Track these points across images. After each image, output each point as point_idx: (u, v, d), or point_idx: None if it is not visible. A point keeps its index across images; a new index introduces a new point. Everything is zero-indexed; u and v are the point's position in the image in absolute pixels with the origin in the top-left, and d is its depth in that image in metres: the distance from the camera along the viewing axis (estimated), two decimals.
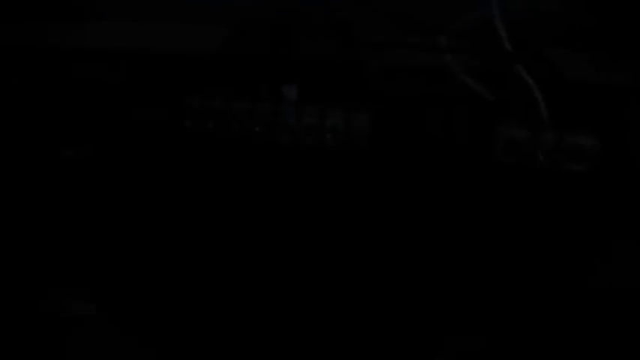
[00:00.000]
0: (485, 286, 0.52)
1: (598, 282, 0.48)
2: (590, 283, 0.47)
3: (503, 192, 0.40)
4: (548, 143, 0.39)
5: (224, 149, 0.48)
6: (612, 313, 0.51)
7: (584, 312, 0.51)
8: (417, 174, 0.44)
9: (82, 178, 0.63)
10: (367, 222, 0.53)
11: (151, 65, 0.44)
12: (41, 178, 0.68)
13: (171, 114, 0.46)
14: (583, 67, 0.41)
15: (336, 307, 0.62)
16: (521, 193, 0.40)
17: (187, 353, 0.76)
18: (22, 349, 0.80)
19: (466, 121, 0.39)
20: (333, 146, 0.41)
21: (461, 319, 0.57)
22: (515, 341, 0.54)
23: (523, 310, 0.55)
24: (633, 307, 0.49)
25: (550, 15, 0.43)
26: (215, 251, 0.63)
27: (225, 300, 0.69)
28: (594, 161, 0.39)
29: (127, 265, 0.71)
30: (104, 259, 0.71)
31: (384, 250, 0.59)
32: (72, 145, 0.61)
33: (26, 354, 0.80)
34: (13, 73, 0.55)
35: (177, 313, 0.73)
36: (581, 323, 0.50)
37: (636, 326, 0.49)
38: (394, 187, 0.46)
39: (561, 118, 0.39)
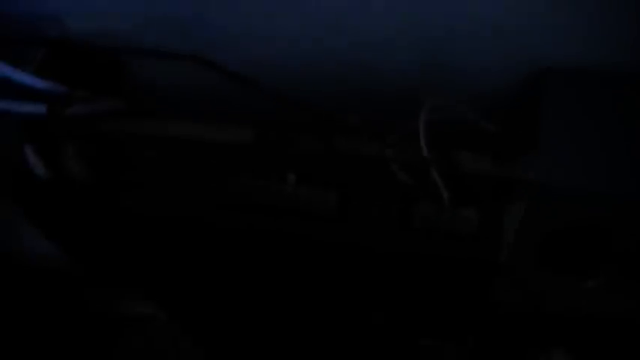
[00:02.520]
0: None
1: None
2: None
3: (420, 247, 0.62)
4: (447, 215, 0.62)
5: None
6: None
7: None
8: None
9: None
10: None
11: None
12: None
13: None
14: (479, 164, 0.63)
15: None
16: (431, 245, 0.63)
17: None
18: (79, 347, 0.84)
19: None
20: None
21: None
22: None
23: None
24: None
25: (461, 124, 0.65)
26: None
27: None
28: (475, 226, 0.61)
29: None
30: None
31: None
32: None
33: (83, 352, 0.84)
34: None
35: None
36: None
37: None
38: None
39: (457, 199, 0.61)
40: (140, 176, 0.65)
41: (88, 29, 0.71)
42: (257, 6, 0.64)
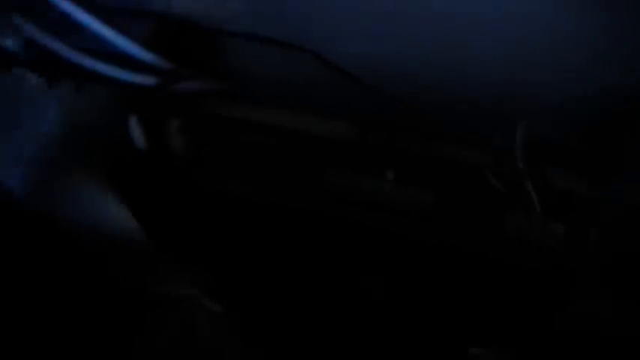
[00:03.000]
0: None
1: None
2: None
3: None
4: (537, 227, 0.64)
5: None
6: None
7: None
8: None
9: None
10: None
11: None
12: None
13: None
14: (570, 181, 0.65)
15: None
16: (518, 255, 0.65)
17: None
18: (115, 317, 0.89)
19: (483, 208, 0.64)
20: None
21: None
22: None
23: None
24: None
25: (555, 140, 0.67)
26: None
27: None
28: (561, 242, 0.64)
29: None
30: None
31: None
32: None
33: (118, 322, 0.89)
34: None
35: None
36: None
37: None
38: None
39: (547, 213, 0.64)
40: (237, 159, 0.67)
41: (194, 8, 0.73)
42: (374, 6, 0.66)
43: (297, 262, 0.73)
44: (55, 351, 0.88)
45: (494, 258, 0.62)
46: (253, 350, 0.95)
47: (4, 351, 0.87)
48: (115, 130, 0.70)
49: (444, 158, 0.64)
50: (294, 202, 0.65)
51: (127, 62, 0.69)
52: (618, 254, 0.64)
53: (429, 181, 0.64)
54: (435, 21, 0.67)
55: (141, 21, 0.73)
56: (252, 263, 0.78)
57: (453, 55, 0.67)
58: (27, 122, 0.79)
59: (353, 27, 0.67)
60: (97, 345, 0.90)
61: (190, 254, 0.83)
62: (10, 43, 0.70)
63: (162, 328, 0.95)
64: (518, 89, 0.69)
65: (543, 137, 0.66)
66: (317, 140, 0.67)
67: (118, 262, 0.93)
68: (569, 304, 0.65)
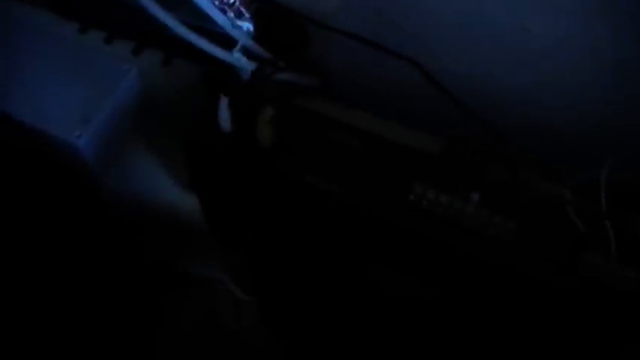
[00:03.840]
0: None
1: None
2: None
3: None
4: (612, 270, 0.65)
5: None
6: None
7: None
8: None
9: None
10: None
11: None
12: None
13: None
14: None
15: None
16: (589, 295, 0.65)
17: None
18: (139, 291, 0.92)
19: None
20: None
21: None
22: None
23: None
24: None
25: (635, 185, 0.68)
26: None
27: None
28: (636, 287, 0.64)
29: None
30: None
31: None
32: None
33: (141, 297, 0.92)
34: None
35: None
36: None
37: None
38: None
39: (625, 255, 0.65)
40: (321, 156, 0.67)
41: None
42: (482, 30, 0.66)
43: (352, 266, 0.73)
44: (80, 325, 0.90)
45: (565, 292, 0.63)
46: (276, 340, 0.97)
47: (29, 313, 0.88)
48: (198, 108, 0.70)
49: (529, 187, 0.65)
50: (371, 206, 0.66)
51: (227, 44, 0.69)
52: None
53: (513, 208, 0.64)
54: (537, 56, 0.67)
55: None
56: (301, 258, 0.78)
57: (548, 89, 0.68)
58: (102, 88, 0.79)
59: (458, 46, 0.68)
60: (123, 325, 0.93)
61: (240, 239, 0.84)
62: None
63: (187, 311, 0.98)
64: (612, 127, 0.70)
65: (629, 181, 0.67)
66: (404, 151, 0.67)
67: (159, 238, 0.93)
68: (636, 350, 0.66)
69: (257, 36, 0.70)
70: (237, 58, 0.66)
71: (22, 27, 0.81)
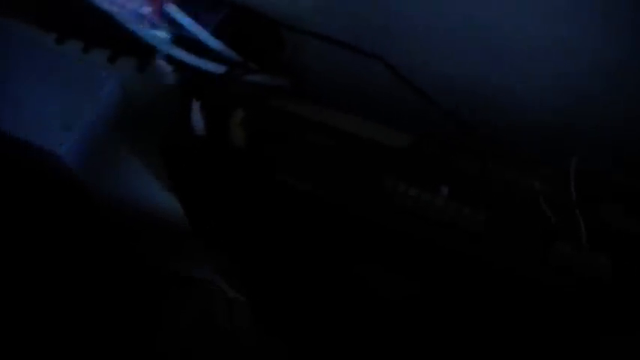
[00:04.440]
0: None
1: None
2: None
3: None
4: (582, 258, 0.65)
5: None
6: None
7: None
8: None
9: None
10: None
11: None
12: None
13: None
14: (620, 215, 0.66)
15: None
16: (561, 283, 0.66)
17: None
18: (132, 293, 0.92)
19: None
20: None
21: None
22: None
23: None
24: None
25: (608, 173, 0.68)
26: None
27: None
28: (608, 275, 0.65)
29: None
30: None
31: None
32: None
33: (135, 299, 0.93)
34: None
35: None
36: None
37: None
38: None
39: (595, 242, 0.65)
40: (294, 155, 0.68)
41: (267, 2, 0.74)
42: (451, 28, 0.67)
43: (331, 262, 0.74)
44: (80, 327, 0.92)
45: (537, 282, 0.63)
46: (271, 338, 0.98)
47: (25, 317, 0.90)
48: (174, 113, 0.71)
49: (499, 179, 0.65)
50: (344, 203, 0.66)
51: (196, 48, 0.70)
52: None
53: (481, 200, 0.65)
54: (506, 51, 0.68)
55: (212, 10, 0.74)
56: (283, 257, 0.79)
57: (519, 83, 0.69)
58: (83, 95, 0.80)
59: (429, 44, 0.69)
60: (123, 324, 0.94)
61: (224, 241, 0.85)
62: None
63: (184, 311, 0.99)
64: (581, 121, 0.70)
65: (599, 171, 0.67)
66: (375, 146, 0.68)
67: (149, 241, 0.95)
68: (610, 339, 0.66)
69: (227, 37, 0.71)
70: (201, 60, 0.67)
71: (1, 40, 0.82)
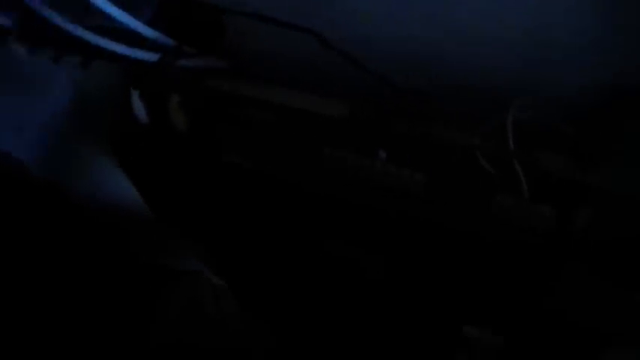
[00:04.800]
0: None
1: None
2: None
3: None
4: (524, 208, 0.66)
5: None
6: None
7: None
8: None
9: None
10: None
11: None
12: None
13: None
14: (558, 164, 0.67)
15: None
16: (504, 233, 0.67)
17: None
18: (123, 291, 0.89)
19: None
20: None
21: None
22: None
23: None
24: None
25: (545, 125, 0.69)
26: None
27: None
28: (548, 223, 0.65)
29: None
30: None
31: None
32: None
33: (127, 297, 0.89)
34: None
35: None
36: None
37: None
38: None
39: (534, 194, 0.65)
40: (235, 134, 0.69)
41: None
42: None
43: (290, 233, 0.75)
44: (69, 331, 0.92)
45: (482, 237, 0.64)
46: (257, 321, 0.99)
47: (10, 327, 0.91)
48: (119, 104, 0.72)
49: (436, 139, 0.66)
50: (290, 177, 0.67)
51: (131, 39, 0.71)
52: (607, 239, 0.65)
53: (421, 161, 0.65)
54: (434, 5, 0.68)
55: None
56: (248, 235, 0.79)
57: (450, 39, 0.69)
58: (34, 95, 0.81)
59: (355, 10, 0.69)
60: (114, 321, 0.95)
61: (189, 227, 0.86)
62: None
63: (173, 303, 1.00)
64: (516, 74, 0.71)
65: (536, 121, 0.67)
66: (314, 118, 0.68)
67: (122, 234, 0.95)
68: (557, 287, 0.66)
69: (162, 25, 0.72)
70: (133, 50, 0.68)
71: None
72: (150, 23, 0.73)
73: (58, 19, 0.66)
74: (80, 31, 0.67)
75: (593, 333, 0.65)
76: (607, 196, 0.64)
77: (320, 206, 0.68)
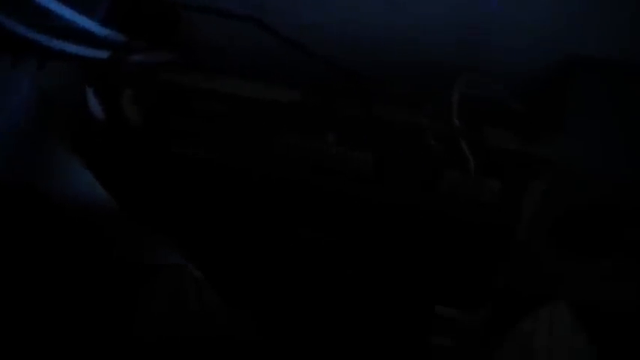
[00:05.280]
0: None
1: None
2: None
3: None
4: (471, 183, 0.67)
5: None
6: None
7: None
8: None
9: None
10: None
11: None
12: None
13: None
14: (505, 139, 0.68)
15: None
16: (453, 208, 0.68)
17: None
18: (104, 290, 0.89)
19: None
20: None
21: None
22: None
23: None
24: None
25: (491, 100, 0.70)
26: None
27: None
28: (496, 197, 0.66)
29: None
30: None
31: None
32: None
33: (108, 295, 0.89)
34: None
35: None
36: None
37: None
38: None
39: (482, 170, 0.67)
40: (190, 125, 0.70)
41: None
42: None
43: (249, 220, 0.76)
44: (55, 333, 0.93)
45: (432, 214, 0.65)
46: (239, 312, 1.00)
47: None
48: (77, 103, 0.73)
49: (383, 119, 0.67)
50: (245, 164, 0.68)
51: (84, 37, 0.72)
52: (557, 211, 0.66)
53: (369, 142, 0.67)
54: None
55: None
56: (213, 225, 0.80)
57: (395, 16, 0.70)
58: None
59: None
60: (95, 319, 0.96)
61: (159, 221, 0.87)
62: None
63: (155, 297, 1.01)
64: (459, 50, 0.72)
65: (482, 97, 0.68)
66: (263, 106, 0.70)
67: (96, 232, 0.96)
68: (510, 261, 0.67)
69: (115, 21, 0.73)
70: (84, 48, 0.69)
71: None
72: (103, 21, 0.74)
73: (11, 23, 0.68)
74: (34, 34, 0.68)
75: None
76: (554, 168, 0.65)
77: (276, 190, 0.69)
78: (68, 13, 0.71)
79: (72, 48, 0.71)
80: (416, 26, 0.70)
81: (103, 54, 0.72)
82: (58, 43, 0.71)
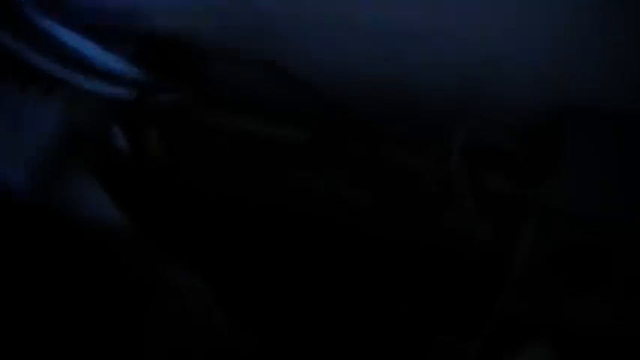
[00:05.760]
0: None
1: None
2: None
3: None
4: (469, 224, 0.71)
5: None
6: None
7: None
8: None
9: None
10: None
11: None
12: None
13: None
14: (502, 183, 0.72)
15: None
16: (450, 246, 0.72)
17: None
18: (114, 306, 0.88)
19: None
20: None
21: None
22: None
23: None
24: None
25: (489, 144, 0.74)
26: None
27: None
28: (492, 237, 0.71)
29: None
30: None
31: None
32: None
33: (118, 311, 0.88)
34: None
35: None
36: None
37: None
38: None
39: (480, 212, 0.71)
40: (209, 161, 0.75)
41: (174, 28, 0.81)
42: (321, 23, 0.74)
43: (257, 249, 0.81)
44: (67, 348, 0.96)
45: (431, 250, 0.70)
46: (241, 329, 1.05)
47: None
48: (102, 136, 0.79)
49: (386, 161, 0.72)
50: (260, 199, 0.74)
51: (111, 76, 0.78)
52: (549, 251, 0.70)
53: (372, 181, 0.72)
54: (382, 32, 0.74)
55: (126, 40, 0.82)
56: (224, 251, 0.85)
57: (401, 62, 0.75)
58: (27, 127, 0.87)
59: (307, 43, 0.75)
60: (103, 336, 0.99)
61: (178, 247, 0.92)
62: None
63: (162, 314, 1.04)
64: (459, 96, 0.76)
65: (481, 141, 0.73)
66: (279, 144, 0.75)
67: (111, 252, 1.01)
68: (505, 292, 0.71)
69: (142, 62, 0.79)
70: (113, 87, 0.75)
71: None
72: (131, 61, 0.80)
73: (41, 60, 0.74)
74: (64, 73, 0.74)
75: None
76: (546, 210, 0.70)
77: (285, 223, 0.74)
78: (97, 53, 0.77)
79: (101, 87, 0.76)
80: (415, 72, 0.75)
81: (128, 93, 0.78)
82: (86, 82, 0.77)
